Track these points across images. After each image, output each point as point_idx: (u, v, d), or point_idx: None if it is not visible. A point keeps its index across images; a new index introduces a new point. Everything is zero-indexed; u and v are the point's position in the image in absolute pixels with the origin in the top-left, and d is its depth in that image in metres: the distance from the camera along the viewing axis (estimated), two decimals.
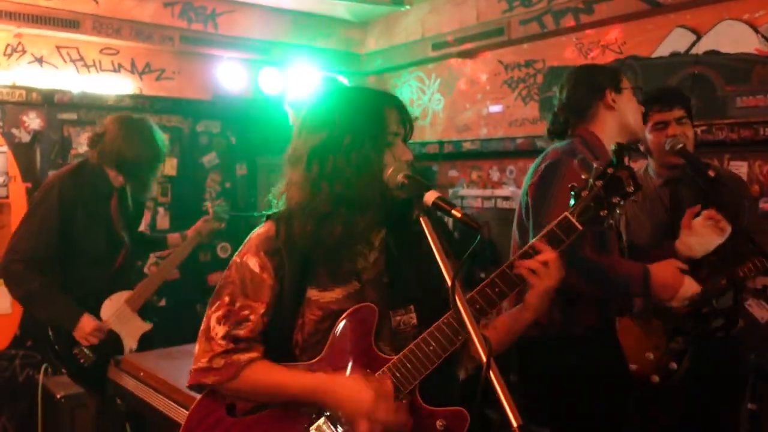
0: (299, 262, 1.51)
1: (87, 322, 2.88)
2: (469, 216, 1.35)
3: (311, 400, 1.46)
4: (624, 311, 2.51)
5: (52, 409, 3.58)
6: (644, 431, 2.31)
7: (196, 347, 1.54)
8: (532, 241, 1.49)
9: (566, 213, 1.46)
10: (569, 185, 1.50)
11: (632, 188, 1.44)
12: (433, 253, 1.35)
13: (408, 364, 1.45)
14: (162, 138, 3.13)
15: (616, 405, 2.28)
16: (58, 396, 3.45)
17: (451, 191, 5.06)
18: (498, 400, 1.09)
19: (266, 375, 1.49)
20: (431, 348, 1.44)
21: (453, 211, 1.36)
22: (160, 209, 4.93)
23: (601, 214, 1.44)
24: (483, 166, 4.86)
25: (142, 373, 2.49)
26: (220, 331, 1.51)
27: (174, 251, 3.40)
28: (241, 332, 1.50)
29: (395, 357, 1.46)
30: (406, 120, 1.57)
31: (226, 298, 1.53)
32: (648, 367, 2.45)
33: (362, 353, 1.48)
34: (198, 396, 1.57)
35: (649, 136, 2.69)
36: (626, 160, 1.47)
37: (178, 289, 4.61)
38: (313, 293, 1.52)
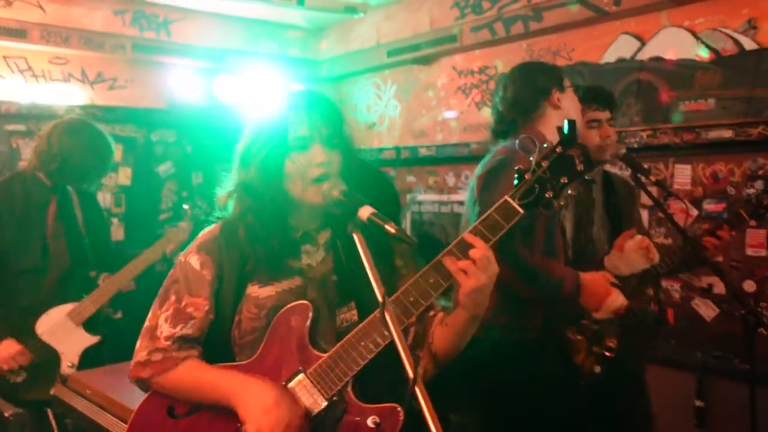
0: (239, 258, 1.54)
1: (7, 346, 2.78)
2: (402, 231, 1.36)
3: (221, 402, 1.47)
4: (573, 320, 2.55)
5: (1, 429, 3.49)
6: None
7: (138, 343, 1.56)
8: (469, 227, 1.41)
9: (506, 196, 1.38)
10: (515, 167, 1.42)
11: (582, 167, 1.35)
12: (380, 254, 1.37)
13: (339, 361, 1.44)
14: (107, 140, 3.05)
15: (565, 412, 2.32)
16: (7, 414, 3.36)
17: (408, 197, 5.09)
18: (423, 417, 1.11)
19: (191, 374, 1.51)
20: (362, 344, 1.43)
21: (386, 227, 1.36)
22: (115, 220, 4.86)
23: (547, 195, 1.35)
24: (439, 172, 4.90)
25: (88, 391, 2.45)
26: (165, 330, 1.53)
27: (134, 260, 3.27)
28: (189, 331, 1.53)
29: (326, 354, 1.46)
30: (322, 121, 1.54)
31: (173, 297, 1.55)
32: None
33: (297, 351, 1.48)
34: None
35: (582, 133, 2.72)
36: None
37: (134, 300, 4.54)
38: (252, 289, 1.53)
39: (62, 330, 2.95)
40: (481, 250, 1.37)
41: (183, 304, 1.54)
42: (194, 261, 1.56)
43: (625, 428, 2.62)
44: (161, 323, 1.54)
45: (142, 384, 1.57)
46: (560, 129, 1.38)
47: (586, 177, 2.75)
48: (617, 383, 2.49)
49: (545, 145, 1.38)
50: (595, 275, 2.28)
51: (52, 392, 2.88)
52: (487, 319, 2.23)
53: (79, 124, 3.03)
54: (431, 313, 1.59)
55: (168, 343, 1.52)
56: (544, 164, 1.35)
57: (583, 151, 1.36)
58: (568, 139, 1.34)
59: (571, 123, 1.37)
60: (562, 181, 1.34)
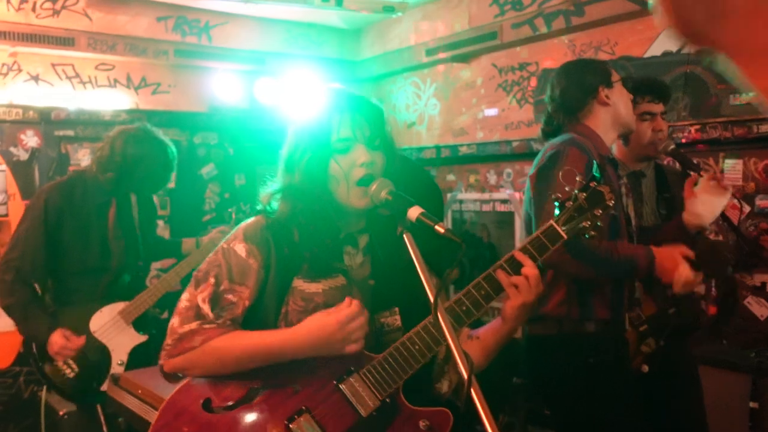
0: (289, 253, 1.55)
1: (56, 339, 2.85)
2: (451, 231, 1.36)
3: (287, 354, 1.46)
4: (632, 307, 2.52)
5: (54, 426, 3.59)
6: (626, 427, 2.32)
7: (176, 320, 1.53)
8: (513, 251, 1.51)
9: (551, 221, 1.49)
10: (553, 195, 1.52)
11: (612, 203, 1.49)
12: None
13: (393, 363, 1.46)
14: (169, 150, 3.11)
15: (625, 406, 2.30)
16: (61, 413, 3.45)
17: (449, 195, 5.07)
18: (479, 417, 1.10)
19: (243, 338, 1.49)
20: (416, 347, 1.45)
21: (436, 227, 1.37)
22: (160, 222, 4.95)
23: (584, 224, 1.48)
24: (480, 170, 4.87)
25: (140, 391, 2.50)
26: (210, 313, 1.51)
27: (182, 262, 3.34)
28: (226, 314, 1.53)
29: (380, 355, 1.47)
30: (364, 122, 1.55)
31: (212, 280, 1.55)
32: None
33: None
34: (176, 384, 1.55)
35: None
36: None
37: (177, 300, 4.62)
38: (298, 283, 1.54)
39: (114, 328, 3.04)
40: (532, 268, 1.46)
41: (221, 288, 1.53)
42: (240, 249, 1.56)
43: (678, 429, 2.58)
44: (201, 304, 1.53)
45: (181, 359, 1.50)
46: (590, 168, 1.55)
47: (637, 169, 2.72)
48: (669, 383, 2.45)
49: (578, 179, 1.52)
50: (668, 249, 2.24)
51: (102, 389, 2.97)
52: (552, 314, 2.24)
53: (142, 134, 3.08)
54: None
55: (220, 321, 1.51)
56: (582, 197, 1.49)
57: (612, 188, 1.51)
58: (601, 176, 1.53)
59: (600, 165, 1.57)
60: (596, 213, 1.48)
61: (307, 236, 1.55)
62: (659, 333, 2.46)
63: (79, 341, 2.92)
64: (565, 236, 1.48)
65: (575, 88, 2.42)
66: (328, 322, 1.42)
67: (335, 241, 1.58)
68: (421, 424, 1.45)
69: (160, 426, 1.50)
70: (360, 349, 1.43)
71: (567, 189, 1.50)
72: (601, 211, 1.47)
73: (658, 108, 2.61)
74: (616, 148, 2.74)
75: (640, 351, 2.43)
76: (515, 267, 1.46)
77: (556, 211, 1.51)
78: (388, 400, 1.45)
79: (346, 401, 1.45)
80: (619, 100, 2.42)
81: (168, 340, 1.53)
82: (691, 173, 2.52)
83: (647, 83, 2.67)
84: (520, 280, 1.45)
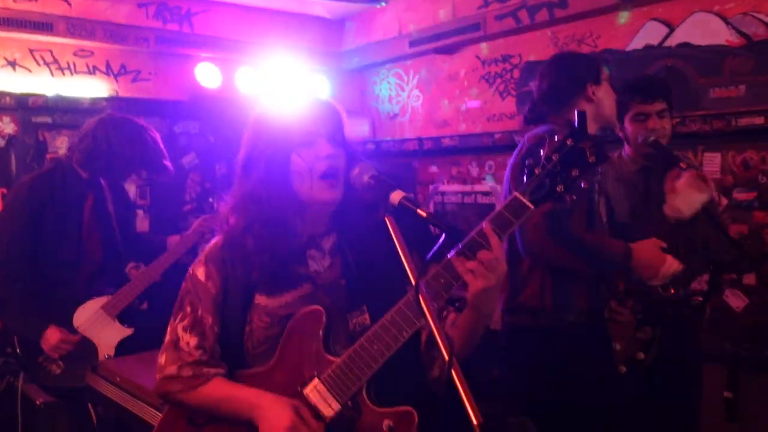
0: (245, 269, 1.53)
1: (52, 334, 2.82)
2: (434, 216, 1.34)
3: (243, 418, 1.48)
4: (614, 296, 2.54)
5: (32, 416, 3.54)
6: (604, 417, 2.35)
7: (162, 357, 1.57)
8: (478, 227, 1.36)
9: (515, 192, 1.33)
10: (526, 161, 1.39)
11: (594, 159, 1.28)
12: (393, 253, 1.35)
13: (353, 366, 1.42)
14: (150, 135, 3.07)
15: (605, 397, 2.32)
16: (38, 402, 3.41)
17: (431, 187, 5.07)
18: (459, 398, 1.10)
19: (218, 391, 1.52)
20: (375, 348, 1.40)
21: (418, 211, 1.35)
22: (140, 212, 4.90)
23: (558, 189, 1.30)
24: (462, 162, 4.88)
25: (118, 378, 2.47)
26: (191, 341, 1.53)
27: (164, 254, 3.30)
28: (208, 343, 1.54)
29: (340, 359, 1.44)
30: (325, 118, 1.54)
31: (188, 308, 1.56)
32: (615, 358, 2.49)
33: (311, 357, 1.47)
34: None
35: (628, 127, 2.70)
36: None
37: (160, 292, 4.58)
38: (261, 299, 1.52)
39: (98, 322, 3.00)
40: (488, 252, 1.32)
41: (199, 313, 1.54)
42: (200, 273, 1.56)
43: (668, 418, 2.61)
44: (182, 334, 1.54)
45: (169, 398, 1.58)
46: (570, 121, 1.34)
47: (655, 163, 2.69)
48: (664, 373, 2.48)
49: (556, 137, 1.33)
50: (644, 243, 2.29)
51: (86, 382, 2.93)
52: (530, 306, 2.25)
53: (123, 120, 3.03)
54: (443, 314, 1.56)
55: (199, 353, 1.53)
56: (555, 158, 1.30)
57: (595, 143, 1.29)
58: (579, 132, 1.29)
59: (581, 115, 1.32)
60: (573, 174, 1.28)
61: (262, 244, 1.51)
62: (655, 321, 2.48)
63: (76, 337, 2.90)
64: (531, 206, 1.31)
65: (563, 82, 2.44)
66: (283, 419, 1.42)
67: (296, 246, 1.55)
68: (385, 425, 1.41)
69: None
70: None
71: (540, 153, 1.34)
72: (578, 172, 1.28)
73: (652, 108, 2.62)
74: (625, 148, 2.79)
75: (637, 338, 2.45)
76: (474, 250, 1.33)
77: (524, 179, 1.35)
78: (349, 403, 1.43)
79: (308, 407, 1.44)
80: (604, 97, 2.44)
81: (156, 376, 1.57)
82: (674, 166, 2.55)
83: (634, 85, 2.68)
84: (475, 266, 1.33)
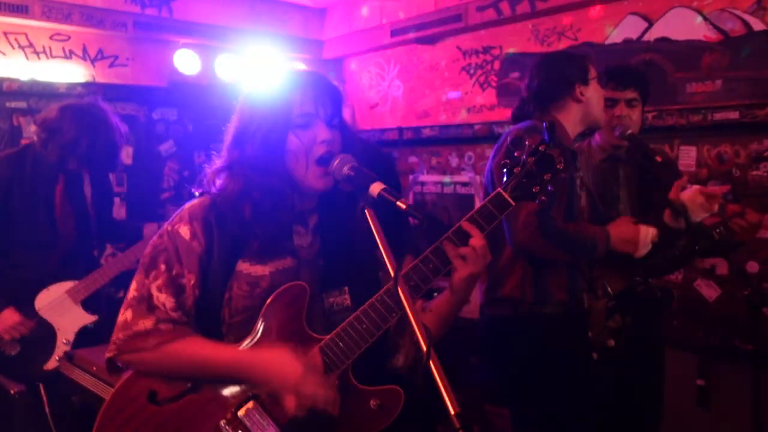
0: (231, 232, 1.49)
1: (9, 316, 2.80)
2: (413, 207, 1.36)
3: (238, 376, 1.44)
4: (591, 287, 2.58)
5: (6, 405, 3.50)
6: (579, 406, 2.40)
7: (128, 314, 1.48)
8: (461, 221, 1.46)
9: (499, 189, 1.45)
10: (502, 162, 1.50)
11: (562, 166, 1.43)
12: (372, 240, 1.35)
13: (341, 343, 1.43)
14: (111, 124, 3.03)
15: (581, 386, 2.37)
16: (12, 391, 3.37)
17: (411, 177, 5.08)
18: (437, 388, 1.11)
19: (198, 347, 1.46)
20: (364, 326, 1.42)
21: (398, 203, 1.36)
22: (117, 199, 4.84)
23: (534, 190, 1.44)
24: (442, 152, 4.89)
25: (94, 368, 2.46)
26: (167, 301, 1.47)
27: (139, 243, 3.26)
28: (187, 302, 1.49)
29: (327, 336, 1.45)
30: (325, 100, 1.53)
31: (162, 266, 1.49)
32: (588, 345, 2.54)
33: (293, 333, 1.47)
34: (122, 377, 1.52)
35: None
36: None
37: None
38: (243, 266, 1.49)
39: (60, 307, 2.96)
40: (479, 239, 1.42)
41: (174, 272, 1.48)
42: (185, 231, 1.50)
43: (634, 403, 2.66)
44: (156, 293, 1.47)
45: (133, 360, 1.48)
46: (551, 124, 1.47)
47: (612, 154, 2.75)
48: (631, 360, 2.53)
49: (527, 144, 1.47)
50: (618, 222, 2.40)
51: (46, 368, 2.91)
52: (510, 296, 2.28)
53: (87, 109, 2.99)
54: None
55: (177, 314, 1.47)
56: (530, 161, 1.44)
57: (563, 152, 1.45)
58: (549, 140, 1.45)
59: (551, 125, 1.46)
60: (545, 177, 1.43)
61: (261, 213, 1.49)
62: (626, 309, 2.53)
63: (31, 321, 2.87)
64: (512, 203, 1.44)
65: (552, 82, 2.46)
66: (295, 367, 1.38)
67: (287, 218, 1.54)
68: (372, 403, 1.44)
69: (104, 422, 1.47)
70: (299, 411, 1.38)
71: (516, 155, 1.47)
72: (550, 176, 1.43)
73: (622, 95, 2.65)
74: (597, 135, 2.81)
75: (608, 326, 2.50)
76: (463, 238, 1.42)
77: (504, 178, 1.47)
78: (334, 377, 1.43)
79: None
80: (592, 97, 2.46)
81: (119, 335, 1.48)
82: (682, 176, 2.57)
83: (610, 72, 2.71)
84: (467, 251, 1.40)
